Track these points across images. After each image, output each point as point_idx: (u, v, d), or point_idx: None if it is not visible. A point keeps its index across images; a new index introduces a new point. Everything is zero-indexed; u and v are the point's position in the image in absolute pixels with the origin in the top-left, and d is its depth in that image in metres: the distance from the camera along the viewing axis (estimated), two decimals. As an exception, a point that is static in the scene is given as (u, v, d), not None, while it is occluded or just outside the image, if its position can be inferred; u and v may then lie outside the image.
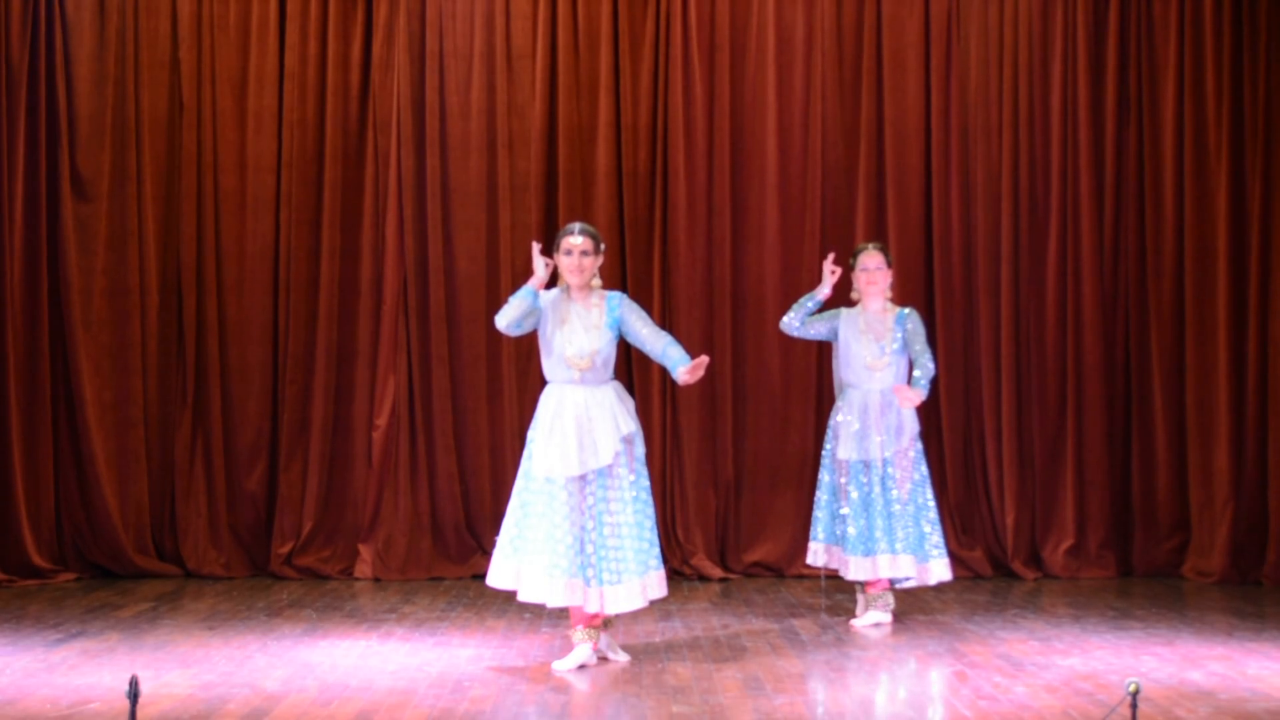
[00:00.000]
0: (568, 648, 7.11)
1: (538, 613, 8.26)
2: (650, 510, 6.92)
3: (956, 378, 9.90)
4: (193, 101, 9.81)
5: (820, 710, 6.06)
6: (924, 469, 8.08)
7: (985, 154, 9.94)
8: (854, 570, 7.98)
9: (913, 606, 8.55)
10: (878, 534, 7.92)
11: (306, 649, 7.29)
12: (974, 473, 9.91)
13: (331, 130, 9.82)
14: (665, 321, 9.80)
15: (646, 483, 6.94)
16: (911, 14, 9.96)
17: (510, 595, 7.37)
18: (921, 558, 8.00)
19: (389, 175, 9.83)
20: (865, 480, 8.01)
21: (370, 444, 9.76)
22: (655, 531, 6.92)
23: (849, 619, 8.10)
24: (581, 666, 6.83)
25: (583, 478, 6.81)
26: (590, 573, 6.79)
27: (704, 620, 8.17)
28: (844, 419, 8.08)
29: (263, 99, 9.83)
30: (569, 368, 6.87)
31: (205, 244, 9.82)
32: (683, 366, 6.80)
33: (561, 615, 7.91)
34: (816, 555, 8.18)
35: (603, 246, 6.99)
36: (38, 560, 9.42)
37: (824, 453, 8.22)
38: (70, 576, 9.50)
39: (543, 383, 7.08)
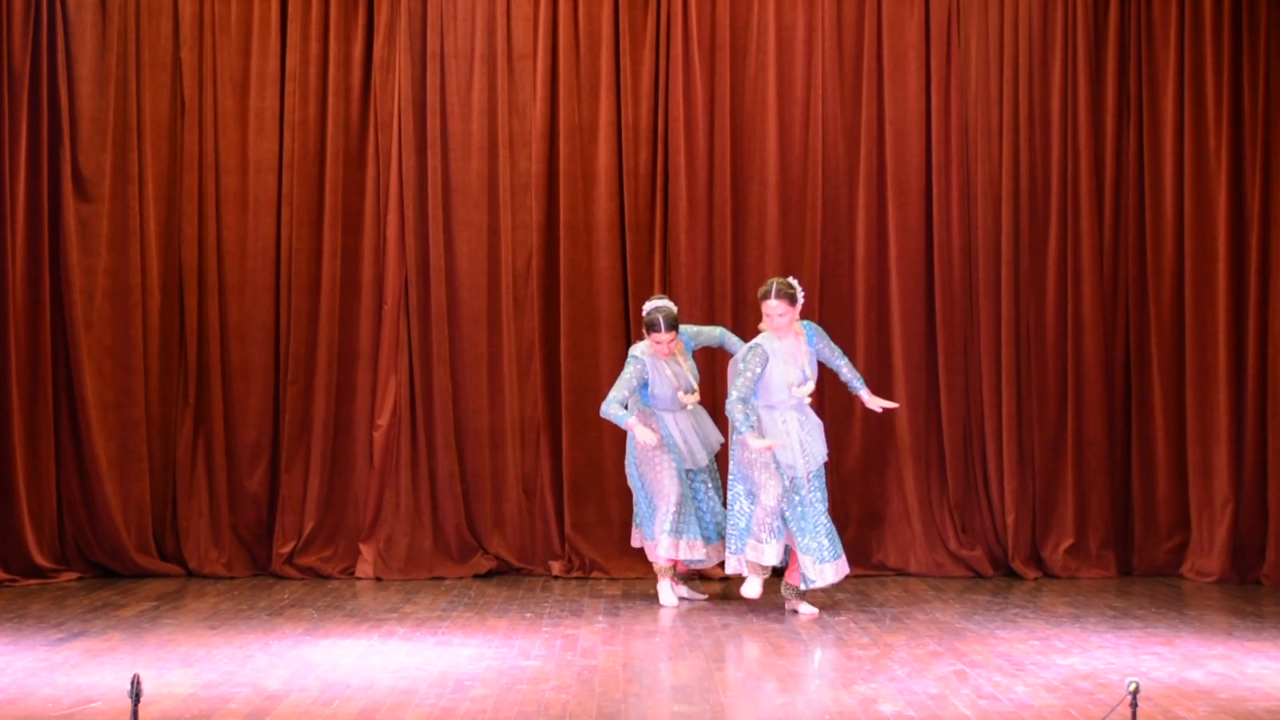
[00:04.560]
0: (567, 645, 7.17)
1: (538, 612, 8.29)
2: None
3: (956, 377, 9.91)
4: (194, 102, 9.82)
5: (821, 710, 6.08)
6: (824, 481, 8.49)
7: (985, 154, 9.94)
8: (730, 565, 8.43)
9: (913, 606, 8.57)
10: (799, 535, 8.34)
11: (308, 648, 7.31)
12: (974, 472, 9.92)
13: (333, 130, 9.83)
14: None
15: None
16: (911, 14, 9.97)
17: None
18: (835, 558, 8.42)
19: (390, 175, 9.84)
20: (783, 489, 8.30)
21: (371, 444, 9.77)
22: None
23: (790, 611, 8.41)
24: (681, 599, 8.72)
25: (691, 472, 8.81)
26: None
27: (704, 620, 8.18)
28: (766, 436, 8.31)
29: (264, 99, 9.84)
30: (677, 402, 8.78)
31: (207, 244, 9.82)
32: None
33: (560, 614, 7.97)
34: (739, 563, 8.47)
35: (679, 325, 8.76)
36: (40, 560, 9.43)
37: (732, 464, 8.47)
38: (72, 576, 9.51)
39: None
